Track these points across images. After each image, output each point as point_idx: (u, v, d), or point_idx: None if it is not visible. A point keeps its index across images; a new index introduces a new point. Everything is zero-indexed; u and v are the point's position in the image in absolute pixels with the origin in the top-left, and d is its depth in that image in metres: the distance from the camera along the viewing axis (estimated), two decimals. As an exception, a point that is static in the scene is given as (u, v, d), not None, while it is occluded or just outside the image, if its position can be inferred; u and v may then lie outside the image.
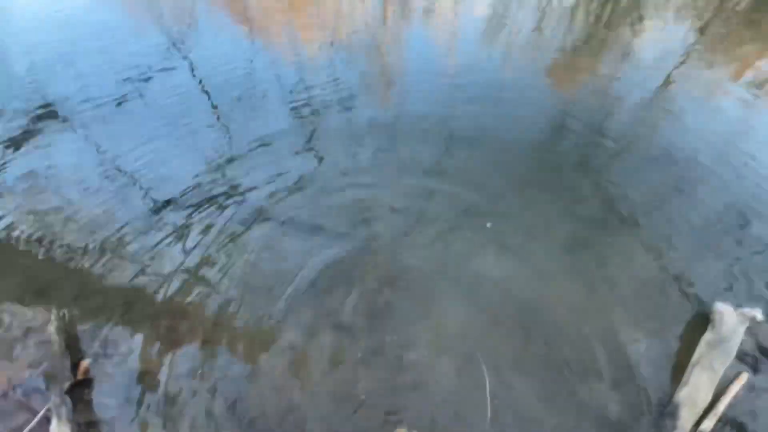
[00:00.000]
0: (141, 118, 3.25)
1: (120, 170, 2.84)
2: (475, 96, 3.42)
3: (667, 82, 3.74)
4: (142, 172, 2.80)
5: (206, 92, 3.56)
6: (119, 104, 3.40)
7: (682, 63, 4.01)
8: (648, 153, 2.97)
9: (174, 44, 4.17)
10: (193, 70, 3.82)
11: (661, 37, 4.46)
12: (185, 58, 3.97)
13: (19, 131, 3.14)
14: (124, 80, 3.64)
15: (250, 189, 2.67)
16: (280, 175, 2.76)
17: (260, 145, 3.00)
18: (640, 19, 4.82)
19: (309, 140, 3.05)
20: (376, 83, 3.69)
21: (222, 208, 2.56)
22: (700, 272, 2.23)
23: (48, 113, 3.31)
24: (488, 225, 2.45)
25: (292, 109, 3.35)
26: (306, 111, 3.32)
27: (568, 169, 2.84)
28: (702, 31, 4.60)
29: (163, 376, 1.83)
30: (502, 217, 2.49)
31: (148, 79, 3.67)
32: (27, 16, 4.52)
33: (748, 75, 3.86)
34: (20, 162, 2.89)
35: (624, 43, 4.34)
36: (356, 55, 4.08)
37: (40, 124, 3.20)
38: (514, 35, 4.46)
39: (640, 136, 3.12)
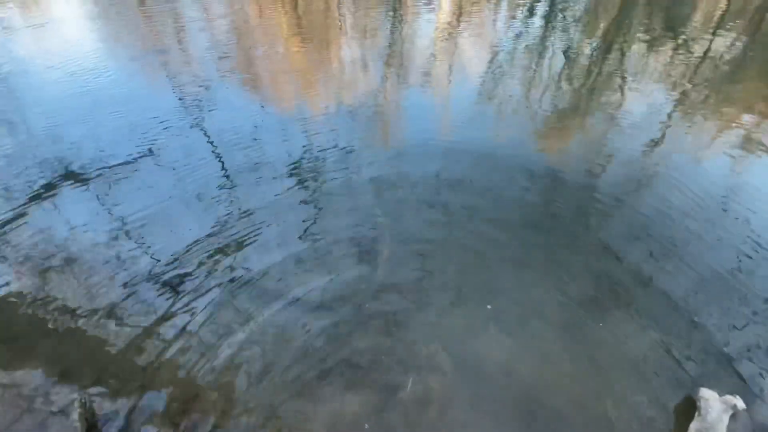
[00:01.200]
0: (153, 181, 3.58)
1: (131, 237, 3.06)
2: (467, 172, 3.73)
3: (652, 146, 4.13)
4: (153, 240, 3.02)
5: (216, 154, 3.92)
6: (133, 166, 3.74)
7: (666, 127, 4.44)
8: (635, 223, 3.23)
9: (187, 110, 4.62)
10: (204, 133, 4.21)
11: (644, 102, 4.93)
12: (198, 123, 4.39)
13: (35, 190, 3.45)
14: (139, 145, 4.00)
15: (258, 260, 2.87)
16: (283, 245, 2.98)
17: (266, 210, 3.27)
18: (622, 86, 5.35)
19: (309, 204, 3.37)
20: (373, 153, 4.03)
21: (231, 281, 2.74)
22: (688, 353, 2.38)
23: (64, 174, 3.63)
24: (488, 307, 2.62)
25: (296, 174, 3.68)
26: (309, 176, 3.67)
27: (559, 245, 3.06)
28: (682, 95, 5.10)
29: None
30: (500, 297, 2.67)
31: (161, 143, 4.05)
32: (54, 89, 4.99)
33: (731, 136, 4.28)
34: (34, 224, 3.13)
35: (609, 109, 4.80)
36: (357, 120, 4.53)
37: (55, 184, 3.51)
38: (503, 105, 4.91)
39: (628, 205, 3.40)
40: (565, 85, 5.43)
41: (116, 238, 3.06)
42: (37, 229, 3.10)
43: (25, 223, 3.16)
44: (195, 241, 3.01)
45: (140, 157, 3.86)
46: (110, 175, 3.64)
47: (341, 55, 6.26)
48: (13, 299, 2.63)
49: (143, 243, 3.02)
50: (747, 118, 4.66)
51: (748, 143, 4.21)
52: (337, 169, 3.77)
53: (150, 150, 3.95)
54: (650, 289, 2.73)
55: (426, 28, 7.30)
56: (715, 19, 8.26)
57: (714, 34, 7.28)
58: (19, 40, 6.52)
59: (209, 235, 3.07)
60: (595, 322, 2.55)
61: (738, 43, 6.84)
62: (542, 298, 2.68)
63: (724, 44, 6.78)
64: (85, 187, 3.51)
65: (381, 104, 4.89)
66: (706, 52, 6.40)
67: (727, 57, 6.29)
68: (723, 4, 9.25)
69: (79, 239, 3.03)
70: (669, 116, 4.66)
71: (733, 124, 4.53)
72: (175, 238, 3.04)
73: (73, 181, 3.57)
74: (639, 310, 2.61)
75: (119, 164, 3.76)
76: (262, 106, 4.87)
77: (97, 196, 3.42)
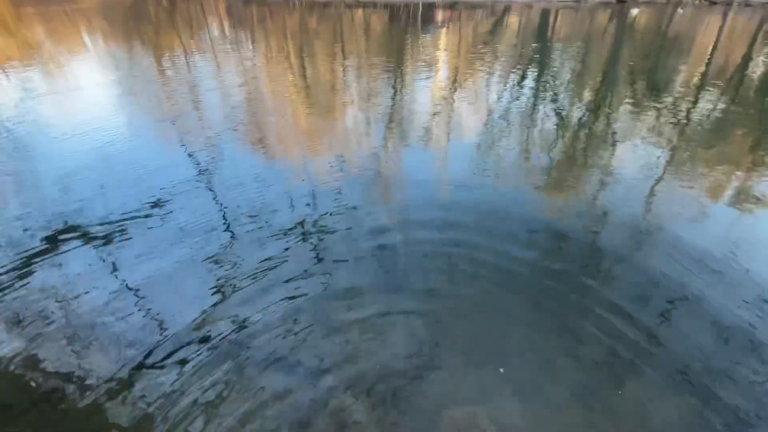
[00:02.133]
0: (159, 240, 3.60)
1: (133, 302, 2.99)
2: (470, 233, 3.74)
3: (653, 204, 4.19)
4: (156, 306, 2.96)
5: (222, 213, 3.98)
6: (138, 228, 3.77)
7: (663, 185, 4.53)
8: (644, 281, 3.17)
9: (196, 170, 4.78)
10: (212, 192, 4.32)
11: (638, 161, 5.08)
12: (206, 183, 4.52)
13: (40, 248, 3.47)
14: (146, 207, 4.07)
15: (257, 325, 2.80)
16: (287, 314, 2.90)
17: (269, 271, 3.26)
18: (614, 144, 5.57)
19: (314, 266, 3.33)
20: (376, 213, 4.06)
21: (233, 351, 2.64)
22: (713, 421, 2.24)
23: (69, 232, 3.67)
24: (501, 371, 2.51)
25: (301, 234, 3.70)
26: (314, 237, 3.68)
27: (568, 305, 2.99)
28: (672, 152, 5.28)
29: None
30: (512, 361, 2.57)
31: (169, 204, 4.13)
32: (69, 151, 5.22)
33: (726, 191, 4.37)
34: (34, 283, 3.10)
35: (605, 170, 4.93)
36: (359, 183, 4.63)
37: (59, 242, 3.54)
38: (502, 167, 5.04)
39: (635, 263, 3.37)
40: (560, 147, 5.64)
41: (118, 302, 3.00)
42: (36, 289, 3.06)
43: (25, 281, 3.13)
44: (199, 309, 2.93)
45: (147, 219, 3.91)
46: (115, 236, 3.66)
47: (347, 120, 6.60)
48: (2, 363, 2.54)
49: (146, 308, 2.95)
50: (740, 173, 4.78)
51: (744, 196, 4.29)
52: (340, 229, 3.80)
53: (158, 212, 4.01)
54: (666, 351, 2.63)
55: (423, 95, 7.78)
56: (697, 79, 8.80)
57: (696, 94, 7.72)
58: (42, 104, 6.94)
59: (214, 304, 2.98)
60: (611, 388, 2.42)
61: (721, 102, 7.22)
62: (555, 362, 2.57)
63: (707, 104, 7.15)
64: (88, 247, 3.52)
65: (383, 167, 5.04)
66: (689, 113, 6.74)
67: (710, 116, 6.60)
68: (702, 67, 9.91)
69: (79, 302, 2.98)
70: (664, 175, 4.77)
71: (727, 180, 4.64)
72: (179, 306, 2.97)
73: (76, 241, 3.59)
74: (656, 374, 2.49)
75: (125, 226, 3.80)
76: (270, 168, 5.03)
77: (101, 257, 3.41)
